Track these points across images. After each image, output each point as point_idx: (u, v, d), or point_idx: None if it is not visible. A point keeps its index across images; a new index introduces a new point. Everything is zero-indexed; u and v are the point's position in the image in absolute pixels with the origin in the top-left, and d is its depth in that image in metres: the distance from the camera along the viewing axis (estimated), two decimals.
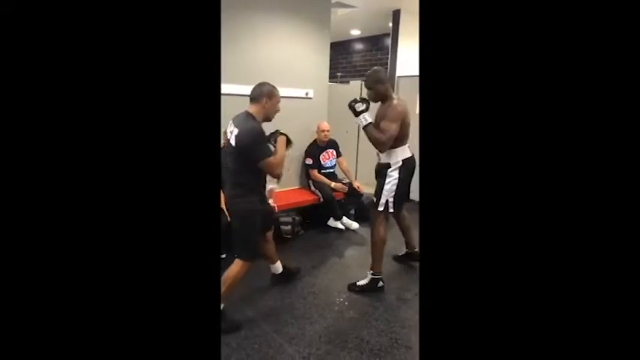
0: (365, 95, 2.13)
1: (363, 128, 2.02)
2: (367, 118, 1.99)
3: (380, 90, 2.05)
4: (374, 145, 2.03)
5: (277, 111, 1.80)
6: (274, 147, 1.76)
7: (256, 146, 1.63)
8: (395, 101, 2.02)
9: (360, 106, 1.98)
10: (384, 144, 1.98)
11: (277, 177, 1.74)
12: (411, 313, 1.95)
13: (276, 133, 1.81)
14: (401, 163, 2.06)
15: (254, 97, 1.72)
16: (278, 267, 2.22)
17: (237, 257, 1.75)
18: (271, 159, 1.66)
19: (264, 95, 1.70)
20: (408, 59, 4.16)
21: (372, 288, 2.15)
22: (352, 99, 2.04)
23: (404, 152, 2.09)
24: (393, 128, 1.94)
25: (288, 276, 2.27)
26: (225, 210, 2.01)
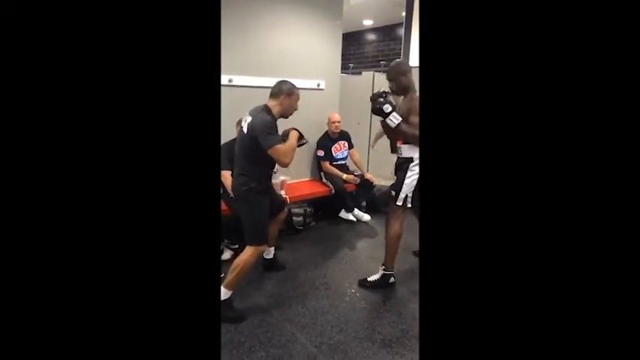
0: (380, 87, 2.07)
1: (394, 129, 1.92)
2: (397, 117, 1.90)
3: (402, 82, 1.99)
4: (410, 142, 1.94)
5: (295, 109, 1.86)
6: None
7: (267, 134, 1.68)
8: (417, 94, 1.95)
9: (387, 108, 1.89)
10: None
11: (286, 165, 1.79)
12: None
13: (289, 130, 1.87)
14: None
15: (273, 93, 1.80)
16: (270, 252, 2.28)
17: (248, 244, 1.79)
18: (280, 146, 1.70)
19: (283, 92, 1.78)
20: None
21: (383, 284, 2.13)
22: (373, 95, 1.94)
23: None
24: None
25: (273, 266, 2.30)
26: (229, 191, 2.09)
